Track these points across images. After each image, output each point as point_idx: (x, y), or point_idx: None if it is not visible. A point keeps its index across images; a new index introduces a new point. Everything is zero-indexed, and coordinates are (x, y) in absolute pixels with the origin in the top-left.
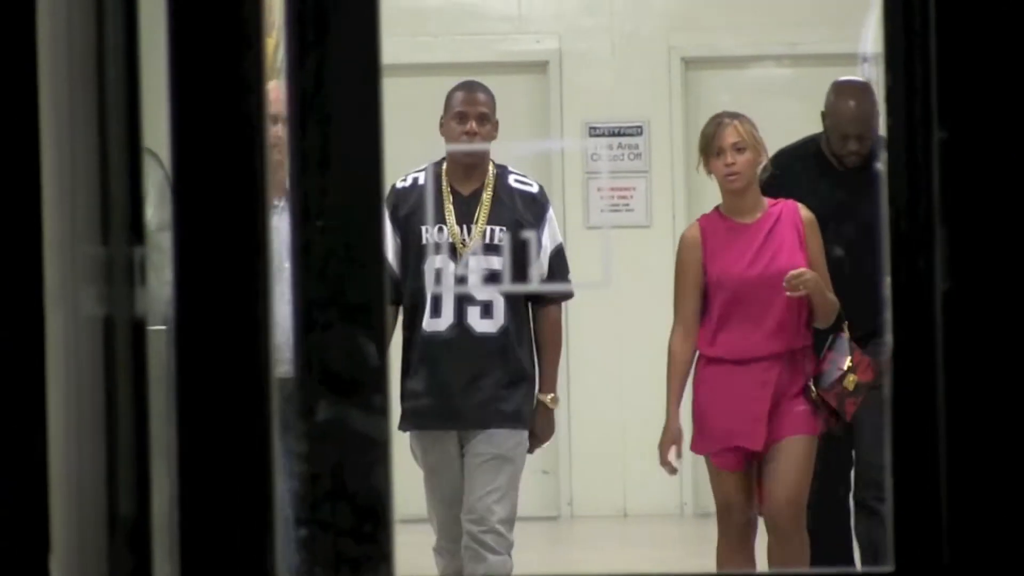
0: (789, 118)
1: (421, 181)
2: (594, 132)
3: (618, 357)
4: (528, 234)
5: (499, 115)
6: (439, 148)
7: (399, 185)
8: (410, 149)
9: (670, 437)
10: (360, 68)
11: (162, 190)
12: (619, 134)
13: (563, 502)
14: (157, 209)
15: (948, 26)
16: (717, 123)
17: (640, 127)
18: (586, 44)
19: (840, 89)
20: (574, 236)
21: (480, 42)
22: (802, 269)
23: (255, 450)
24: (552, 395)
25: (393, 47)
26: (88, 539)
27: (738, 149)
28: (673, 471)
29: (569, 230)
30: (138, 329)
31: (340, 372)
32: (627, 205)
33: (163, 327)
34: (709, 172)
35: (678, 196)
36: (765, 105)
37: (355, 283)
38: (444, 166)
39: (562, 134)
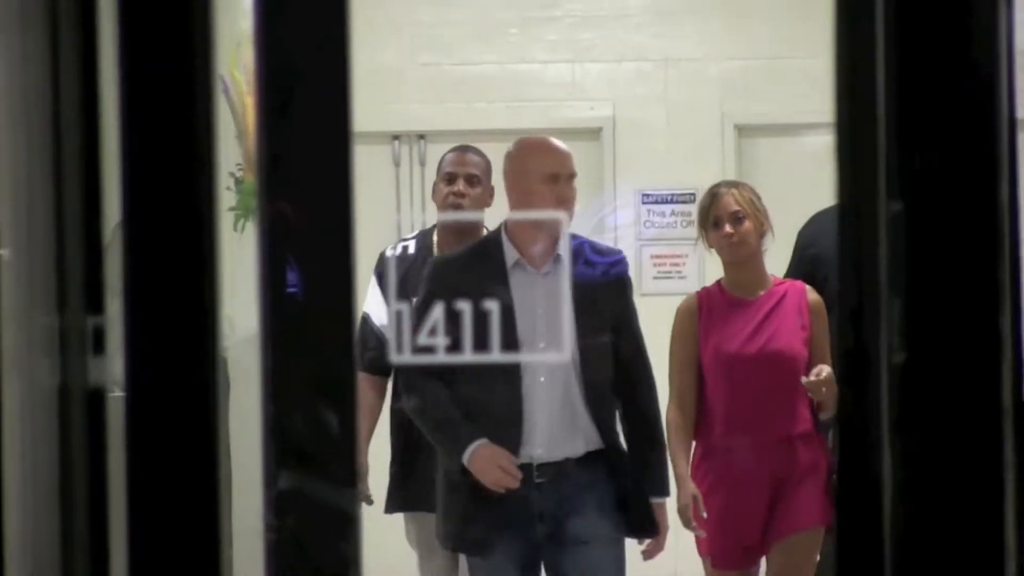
0: None
1: (411, 251)
2: (647, 199)
3: None
4: None
5: None
6: (492, 215)
7: (388, 253)
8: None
9: (687, 493)
10: (330, 135)
11: None
12: (672, 201)
13: None
14: None
15: (899, 95)
16: (713, 193)
17: (693, 194)
18: (640, 111)
19: None
20: None
21: (535, 109)
22: (822, 367)
23: (208, 518)
24: None
25: (450, 114)
26: None
27: (737, 218)
28: (702, 532)
29: None
30: (95, 397)
31: (303, 442)
32: (680, 272)
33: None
34: (709, 246)
35: None
36: (819, 173)
37: (323, 353)
38: (435, 234)
39: (616, 201)
